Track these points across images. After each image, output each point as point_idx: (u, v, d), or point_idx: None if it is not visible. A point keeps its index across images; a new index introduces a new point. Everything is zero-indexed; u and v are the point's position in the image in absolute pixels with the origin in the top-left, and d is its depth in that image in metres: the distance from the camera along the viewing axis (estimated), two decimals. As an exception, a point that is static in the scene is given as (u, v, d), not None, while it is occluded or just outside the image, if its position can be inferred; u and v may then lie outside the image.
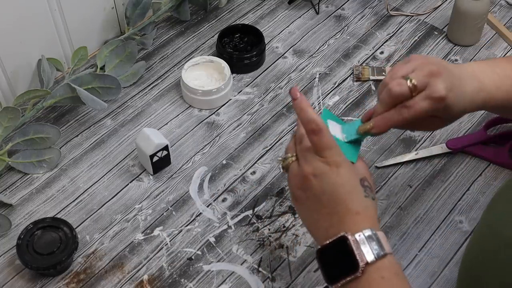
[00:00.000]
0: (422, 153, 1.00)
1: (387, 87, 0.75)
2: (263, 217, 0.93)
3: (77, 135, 1.04)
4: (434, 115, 0.76)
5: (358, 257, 0.65)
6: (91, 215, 0.94)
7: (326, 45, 1.17)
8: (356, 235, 0.66)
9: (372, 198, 0.71)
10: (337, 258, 0.67)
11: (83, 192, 0.96)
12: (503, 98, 0.79)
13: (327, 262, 0.68)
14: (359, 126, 0.77)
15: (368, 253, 0.65)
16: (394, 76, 0.75)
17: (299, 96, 0.72)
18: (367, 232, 0.67)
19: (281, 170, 0.84)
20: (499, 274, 0.65)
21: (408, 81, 0.73)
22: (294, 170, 0.72)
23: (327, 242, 0.67)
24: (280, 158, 0.81)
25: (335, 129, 0.77)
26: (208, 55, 1.12)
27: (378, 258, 0.66)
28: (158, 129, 1.03)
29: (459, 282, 0.76)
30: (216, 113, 1.07)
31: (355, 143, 0.77)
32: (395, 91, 0.74)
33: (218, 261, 0.88)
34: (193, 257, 0.89)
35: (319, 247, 0.69)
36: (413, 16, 1.22)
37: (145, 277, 0.87)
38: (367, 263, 0.65)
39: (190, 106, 1.08)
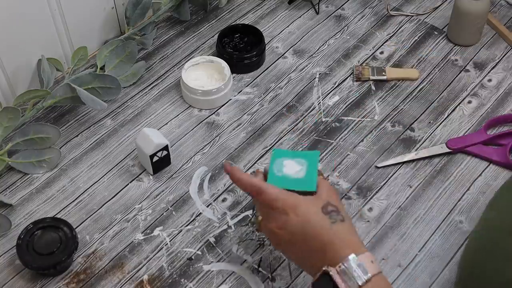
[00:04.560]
0: (422, 153, 1.00)
1: None
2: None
3: (77, 135, 1.04)
4: None
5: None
6: (91, 215, 0.94)
7: (326, 45, 1.17)
8: (337, 267, 0.69)
9: (341, 220, 0.72)
10: None
11: (83, 192, 0.96)
12: None
13: None
14: None
15: (351, 282, 0.67)
16: None
17: (230, 170, 0.79)
18: (347, 261, 0.69)
19: (256, 232, 0.89)
20: (498, 267, 0.66)
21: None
22: (264, 228, 0.78)
23: (315, 278, 0.70)
24: (251, 220, 0.90)
25: (290, 166, 0.80)
26: (208, 55, 1.12)
27: (363, 284, 0.67)
28: (158, 129, 1.03)
29: (457, 279, 0.76)
30: (216, 113, 1.07)
31: (311, 170, 0.79)
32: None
33: (218, 261, 0.88)
34: (193, 257, 0.89)
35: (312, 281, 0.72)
36: (413, 16, 1.22)
37: (145, 277, 0.87)
38: None
39: (190, 106, 1.08)
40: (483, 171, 0.98)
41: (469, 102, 1.08)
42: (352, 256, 0.69)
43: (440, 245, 0.90)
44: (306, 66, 1.14)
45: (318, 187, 0.76)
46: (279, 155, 0.82)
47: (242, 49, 1.14)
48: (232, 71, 1.09)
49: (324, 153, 1.01)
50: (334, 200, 0.75)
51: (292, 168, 0.80)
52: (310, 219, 0.72)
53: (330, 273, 0.68)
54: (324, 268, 0.69)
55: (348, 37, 1.19)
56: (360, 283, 0.67)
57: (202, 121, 1.06)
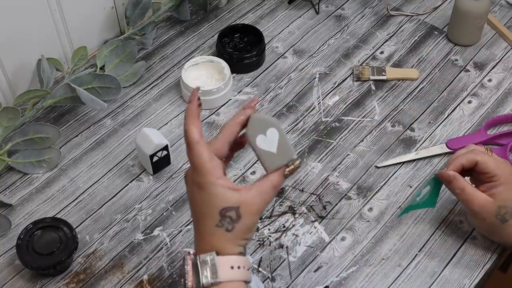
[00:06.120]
0: (422, 153, 1.00)
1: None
2: (263, 217, 0.93)
3: (77, 135, 1.04)
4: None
5: (188, 280, 0.66)
6: (91, 215, 0.94)
7: (326, 45, 1.17)
8: (195, 257, 0.67)
9: (227, 229, 0.66)
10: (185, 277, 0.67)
11: (83, 192, 0.96)
12: None
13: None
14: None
15: (196, 277, 0.66)
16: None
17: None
18: (205, 257, 0.66)
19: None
20: None
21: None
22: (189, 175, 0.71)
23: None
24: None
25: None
26: (208, 55, 1.12)
27: (207, 286, 0.65)
28: (158, 129, 1.02)
29: None
30: (216, 113, 1.07)
31: (433, 191, 0.87)
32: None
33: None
34: (193, 257, 0.89)
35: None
36: (413, 16, 1.22)
37: (145, 277, 0.87)
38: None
39: (190, 106, 1.08)
40: (483, 171, 0.98)
41: (469, 102, 1.08)
42: (211, 256, 0.66)
43: (440, 245, 0.90)
44: (306, 66, 1.14)
45: (246, 192, 0.68)
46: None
47: (242, 49, 1.14)
48: (232, 71, 1.09)
49: (324, 153, 1.01)
50: (244, 210, 0.67)
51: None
52: (203, 205, 0.67)
53: (187, 257, 0.67)
54: (187, 251, 0.69)
55: (348, 37, 1.19)
56: (204, 283, 0.65)
57: (202, 121, 1.05)
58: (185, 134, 0.68)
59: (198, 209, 0.68)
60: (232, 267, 0.66)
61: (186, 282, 0.66)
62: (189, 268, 0.67)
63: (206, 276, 0.66)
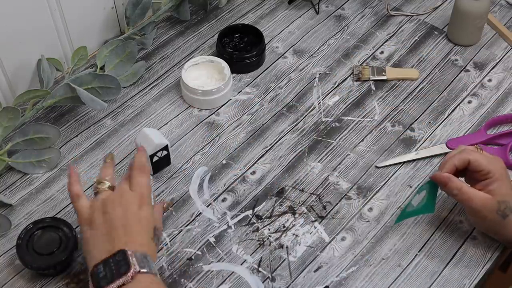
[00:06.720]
0: (422, 153, 1.00)
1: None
2: (263, 217, 0.93)
3: (77, 135, 1.04)
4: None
5: (132, 265, 0.72)
6: (91, 215, 0.93)
7: (326, 45, 1.17)
8: (135, 252, 0.74)
9: (156, 243, 0.79)
10: (113, 268, 0.73)
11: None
12: None
13: (102, 274, 0.73)
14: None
15: (141, 265, 0.73)
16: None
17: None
18: (144, 253, 0.75)
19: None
20: None
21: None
22: (106, 198, 0.80)
23: (108, 255, 0.74)
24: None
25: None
26: (208, 55, 1.12)
27: (149, 271, 0.73)
28: (158, 129, 1.02)
29: None
30: (216, 113, 1.07)
31: (430, 195, 0.87)
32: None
33: (218, 261, 0.88)
34: (193, 257, 0.89)
35: (97, 262, 0.74)
36: (413, 16, 1.22)
37: (145, 277, 0.87)
38: (138, 272, 0.72)
39: (190, 106, 1.08)
40: (483, 171, 0.98)
41: (469, 102, 1.08)
42: (147, 254, 0.75)
43: (440, 245, 0.90)
44: (306, 66, 1.14)
45: (156, 209, 0.85)
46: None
47: (242, 49, 1.14)
48: (232, 71, 1.09)
49: (324, 153, 1.01)
50: (160, 228, 0.83)
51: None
52: (143, 220, 0.79)
53: (128, 251, 0.73)
54: (122, 248, 0.74)
55: (348, 37, 1.19)
56: (147, 270, 0.73)
57: (202, 121, 1.05)
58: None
59: (138, 223, 0.78)
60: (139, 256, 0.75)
61: (128, 267, 0.72)
62: (132, 257, 0.73)
63: (148, 266, 0.73)
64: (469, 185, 0.85)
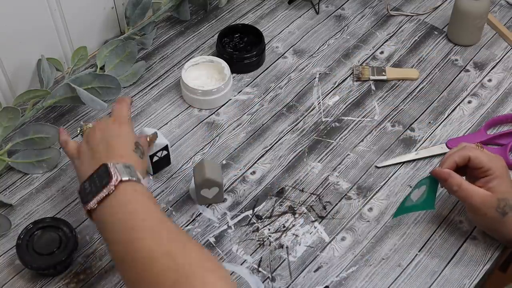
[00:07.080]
0: (422, 153, 1.00)
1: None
2: (263, 217, 0.93)
3: (77, 135, 1.04)
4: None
5: (113, 175, 0.74)
6: (91, 215, 0.93)
7: (326, 45, 1.17)
8: (115, 164, 0.76)
9: (140, 156, 0.82)
10: (97, 182, 0.75)
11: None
12: None
13: (88, 190, 0.76)
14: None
15: (123, 174, 0.75)
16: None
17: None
18: (125, 164, 0.77)
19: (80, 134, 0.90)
20: None
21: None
22: (88, 131, 0.85)
23: (91, 172, 0.77)
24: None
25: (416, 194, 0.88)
26: (208, 55, 1.12)
27: (131, 178, 0.75)
28: (158, 129, 1.02)
29: None
30: (216, 113, 1.07)
31: (430, 191, 0.86)
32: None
33: (218, 261, 0.88)
34: (193, 257, 0.89)
35: (83, 182, 0.78)
36: (413, 16, 1.22)
37: (145, 277, 0.87)
38: (121, 181, 0.74)
39: (190, 106, 1.08)
40: (483, 171, 0.98)
41: (469, 102, 1.08)
42: (130, 164, 0.78)
43: (440, 245, 0.90)
44: (306, 66, 1.14)
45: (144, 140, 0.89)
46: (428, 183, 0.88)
47: (242, 49, 1.14)
48: (232, 71, 1.09)
49: (324, 153, 1.01)
50: (145, 148, 0.86)
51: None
52: (122, 136, 0.83)
53: (109, 164, 0.76)
54: (103, 163, 0.76)
55: (348, 37, 1.19)
56: (129, 177, 0.75)
57: (202, 121, 1.06)
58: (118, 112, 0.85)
59: (116, 139, 0.82)
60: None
61: (110, 178, 0.75)
62: (113, 169, 0.75)
63: (129, 173, 0.76)
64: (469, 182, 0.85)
